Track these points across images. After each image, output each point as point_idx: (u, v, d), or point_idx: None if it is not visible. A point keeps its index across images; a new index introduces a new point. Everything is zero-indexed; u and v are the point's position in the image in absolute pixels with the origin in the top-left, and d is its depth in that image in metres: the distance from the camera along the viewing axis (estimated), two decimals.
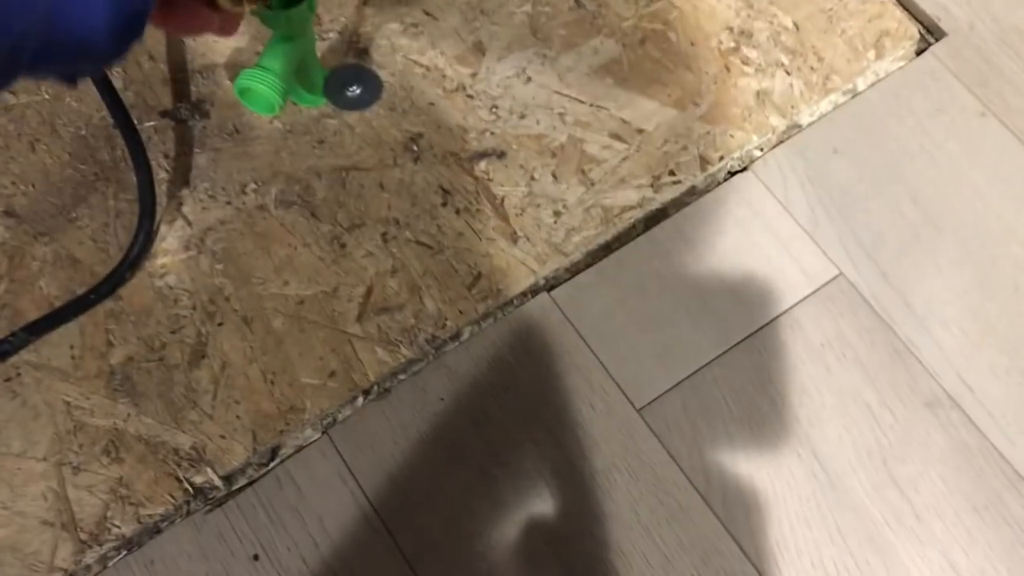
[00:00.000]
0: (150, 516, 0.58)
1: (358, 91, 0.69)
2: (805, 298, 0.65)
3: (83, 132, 0.68)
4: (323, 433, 0.61)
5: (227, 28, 0.49)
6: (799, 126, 0.70)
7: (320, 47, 0.70)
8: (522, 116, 0.69)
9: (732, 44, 0.72)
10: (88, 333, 0.62)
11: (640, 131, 0.69)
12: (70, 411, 0.60)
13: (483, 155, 0.68)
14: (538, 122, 0.69)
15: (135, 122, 0.65)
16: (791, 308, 0.64)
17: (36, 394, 0.61)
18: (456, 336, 0.64)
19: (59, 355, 0.62)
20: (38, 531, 0.57)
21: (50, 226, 0.65)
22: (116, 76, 0.69)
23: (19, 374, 0.61)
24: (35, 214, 0.65)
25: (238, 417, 0.60)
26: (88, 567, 0.57)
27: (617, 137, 0.69)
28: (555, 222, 0.66)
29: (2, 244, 0.65)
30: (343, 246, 0.65)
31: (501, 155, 0.68)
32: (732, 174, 0.69)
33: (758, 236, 0.66)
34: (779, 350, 0.63)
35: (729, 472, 0.60)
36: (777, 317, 0.64)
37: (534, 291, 0.65)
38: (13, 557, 0.57)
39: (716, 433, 0.61)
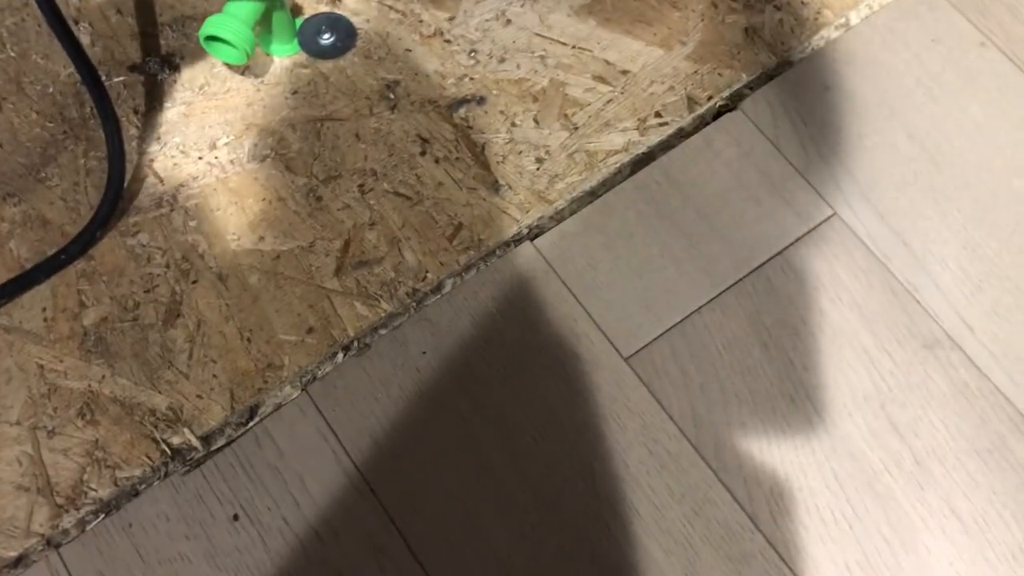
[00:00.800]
0: (127, 478, 0.57)
1: (332, 38, 0.67)
2: (798, 239, 0.62)
3: (51, 90, 0.66)
4: (302, 391, 0.59)
5: None
6: (790, 63, 0.68)
7: None
8: (502, 60, 0.67)
9: None
10: (60, 294, 0.61)
11: (625, 72, 0.66)
12: (43, 374, 0.59)
13: (462, 102, 0.66)
14: (519, 66, 0.67)
15: (102, 77, 0.62)
16: (783, 250, 0.62)
17: (8, 357, 0.59)
18: (437, 288, 0.62)
19: (31, 317, 0.60)
20: (13, 496, 0.56)
21: (19, 186, 0.63)
22: (83, 31, 0.67)
23: None
24: (3, 175, 0.64)
25: (215, 376, 0.59)
26: (65, 531, 0.56)
27: (601, 79, 0.66)
28: (538, 169, 0.64)
29: None
30: (319, 199, 0.63)
31: (481, 101, 0.66)
32: (721, 114, 0.66)
33: (748, 177, 0.64)
34: (771, 294, 0.61)
35: (720, 420, 0.58)
36: (769, 260, 0.62)
37: (517, 240, 0.63)
38: None
39: (707, 380, 0.59)
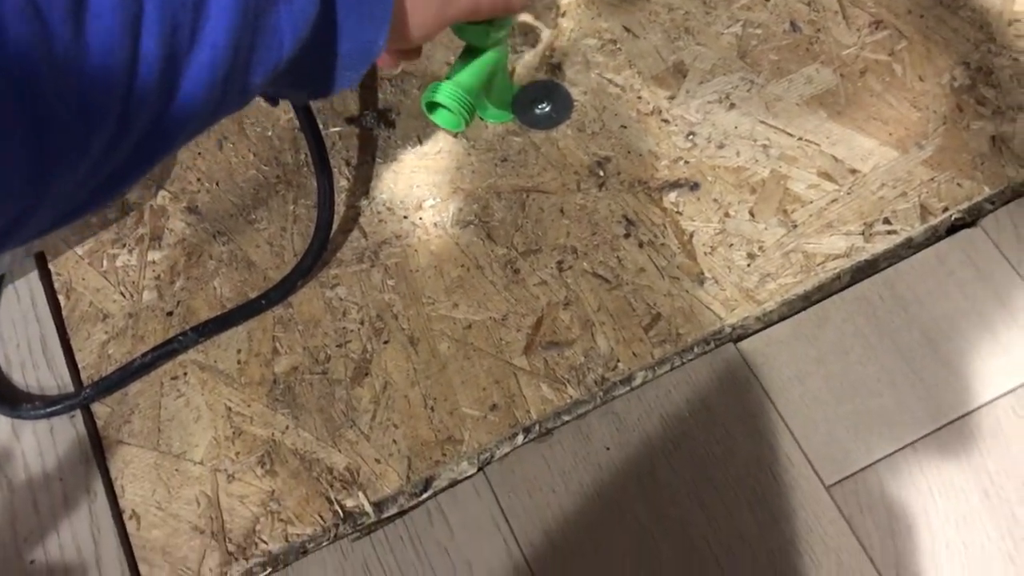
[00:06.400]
0: (298, 535, 0.56)
1: (547, 108, 0.65)
2: None
3: (269, 133, 0.68)
4: (479, 469, 0.57)
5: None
6: None
7: (512, 60, 0.67)
8: (721, 146, 0.64)
9: (967, 81, 0.64)
10: (256, 339, 0.61)
11: (853, 171, 0.62)
12: (230, 416, 0.59)
13: (674, 185, 0.63)
14: (738, 153, 0.63)
15: (321, 127, 0.63)
16: (1017, 389, 0.56)
17: (200, 395, 0.60)
18: (627, 380, 0.59)
19: (226, 358, 0.61)
20: (188, 536, 0.57)
21: (229, 226, 0.65)
22: None
23: (186, 373, 0.61)
24: (216, 213, 0.65)
25: (395, 442, 0.58)
26: None
27: (827, 176, 0.62)
28: (748, 265, 0.60)
29: (182, 240, 0.65)
30: (516, 271, 0.62)
31: (694, 187, 0.63)
32: (957, 228, 0.61)
33: (983, 303, 0.58)
34: (999, 436, 0.55)
35: (929, 571, 0.53)
36: (999, 397, 0.56)
37: (718, 340, 0.59)
38: (163, 559, 0.56)
39: (915, 524, 0.54)
